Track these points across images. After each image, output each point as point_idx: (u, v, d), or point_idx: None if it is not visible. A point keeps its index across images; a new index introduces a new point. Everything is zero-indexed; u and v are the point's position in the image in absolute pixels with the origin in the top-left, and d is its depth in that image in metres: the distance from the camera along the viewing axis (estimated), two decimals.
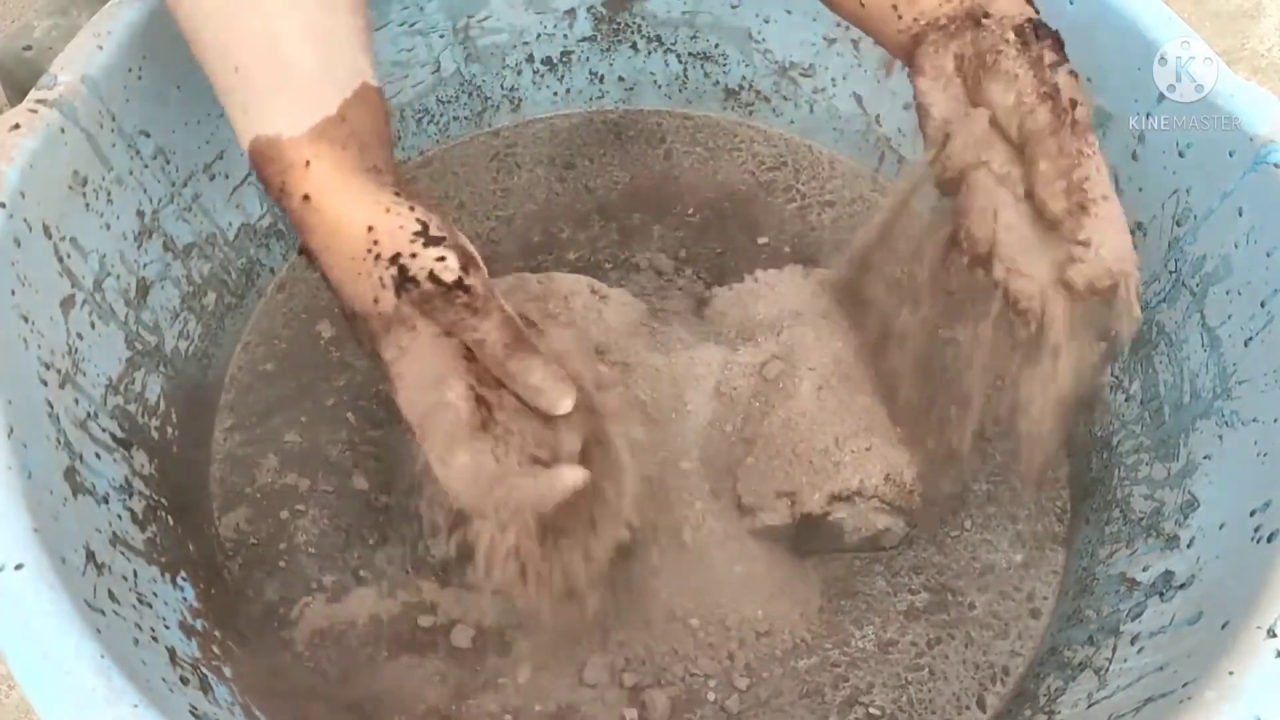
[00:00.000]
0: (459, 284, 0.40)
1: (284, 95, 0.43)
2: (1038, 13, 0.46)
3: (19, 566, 0.37)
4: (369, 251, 0.40)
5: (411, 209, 0.41)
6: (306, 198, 0.42)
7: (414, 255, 0.40)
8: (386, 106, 0.46)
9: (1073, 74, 0.45)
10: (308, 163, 0.42)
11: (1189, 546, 0.50)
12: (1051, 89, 0.44)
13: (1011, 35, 0.45)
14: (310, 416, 0.61)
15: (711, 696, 0.53)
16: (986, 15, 0.46)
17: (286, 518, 0.58)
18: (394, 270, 0.40)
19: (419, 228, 0.41)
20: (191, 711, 0.41)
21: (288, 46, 0.42)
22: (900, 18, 0.47)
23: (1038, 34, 0.45)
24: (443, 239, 0.41)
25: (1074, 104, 0.44)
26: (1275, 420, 0.48)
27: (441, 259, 0.40)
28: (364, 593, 0.55)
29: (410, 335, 0.41)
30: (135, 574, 0.46)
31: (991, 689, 0.54)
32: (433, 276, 0.40)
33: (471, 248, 0.42)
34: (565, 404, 0.42)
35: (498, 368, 0.41)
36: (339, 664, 0.53)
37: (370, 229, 0.41)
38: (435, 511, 0.52)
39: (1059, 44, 0.46)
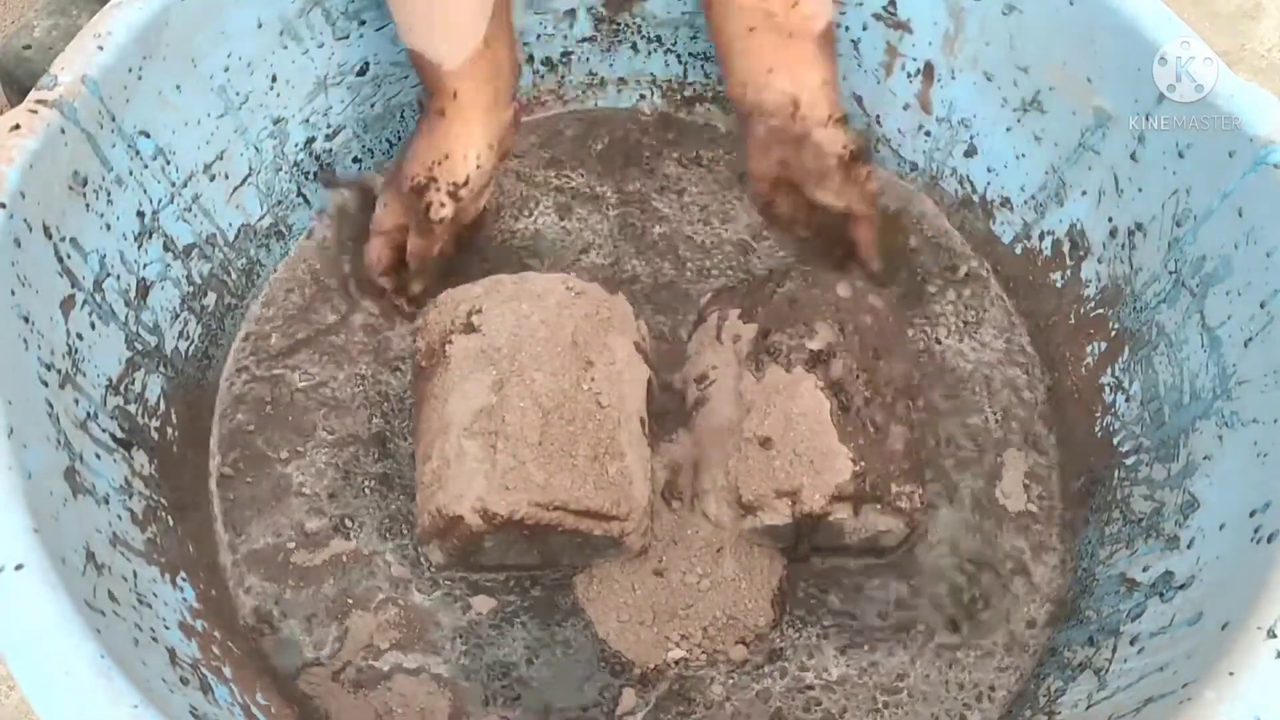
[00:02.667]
0: (434, 220, 0.60)
1: (444, 33, 0.56)
2: (848, 129, 0.61)
3: (19, 566, 0.37)
4: (436, 163, 0.59)
5: (476, 167, 0.59)
6: (441, 113, 0.58)
7: (438, 189, 0.59)
8: (514, 34, 0.60)
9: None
10: (455, 93, 0.57)
11: (1189, 547, 0.50)
12: (871, 197, 0.64)
13: (834, 163, 0.61)
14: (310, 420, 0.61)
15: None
16: (808, 137, 0.61)
17: (284, 521, 0.58)
18: (425, 181, 0.59)
19: (463, 179, 0.59)
20: (191, 712, 0.41)
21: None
22: (744, 88, 0.61)
23: (855, 159, 0.62)
24: (461, 198, 0.59)
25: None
26: (1275, 420, 0.48)
27: (443, 205, 0.59)
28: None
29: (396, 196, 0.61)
30: (135, 574, 0.46)
31: (976, 706, 0.54)
32: (429, 207, 0.59)
33: (459, 209, 0.60)
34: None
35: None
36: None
37: (447, 156, 0.59)
38: (429, 517, 0.53)
39: (869, 156, 0.63)
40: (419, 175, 0.59)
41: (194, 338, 0.60)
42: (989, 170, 0.67)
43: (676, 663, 0.54)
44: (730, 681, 0.54)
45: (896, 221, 0.70)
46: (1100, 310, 0.61)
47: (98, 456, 0.48)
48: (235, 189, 0.62)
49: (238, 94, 0.59)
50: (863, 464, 0.54)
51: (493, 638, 0.55)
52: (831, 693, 0.54)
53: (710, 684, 0.54)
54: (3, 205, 0.44)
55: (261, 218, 0.64)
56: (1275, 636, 0.39)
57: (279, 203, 0.65)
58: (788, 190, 0.66)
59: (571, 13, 0.72)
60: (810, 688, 0.54)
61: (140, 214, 0.54)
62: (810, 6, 0.59)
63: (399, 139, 0.72)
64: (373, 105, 0.69)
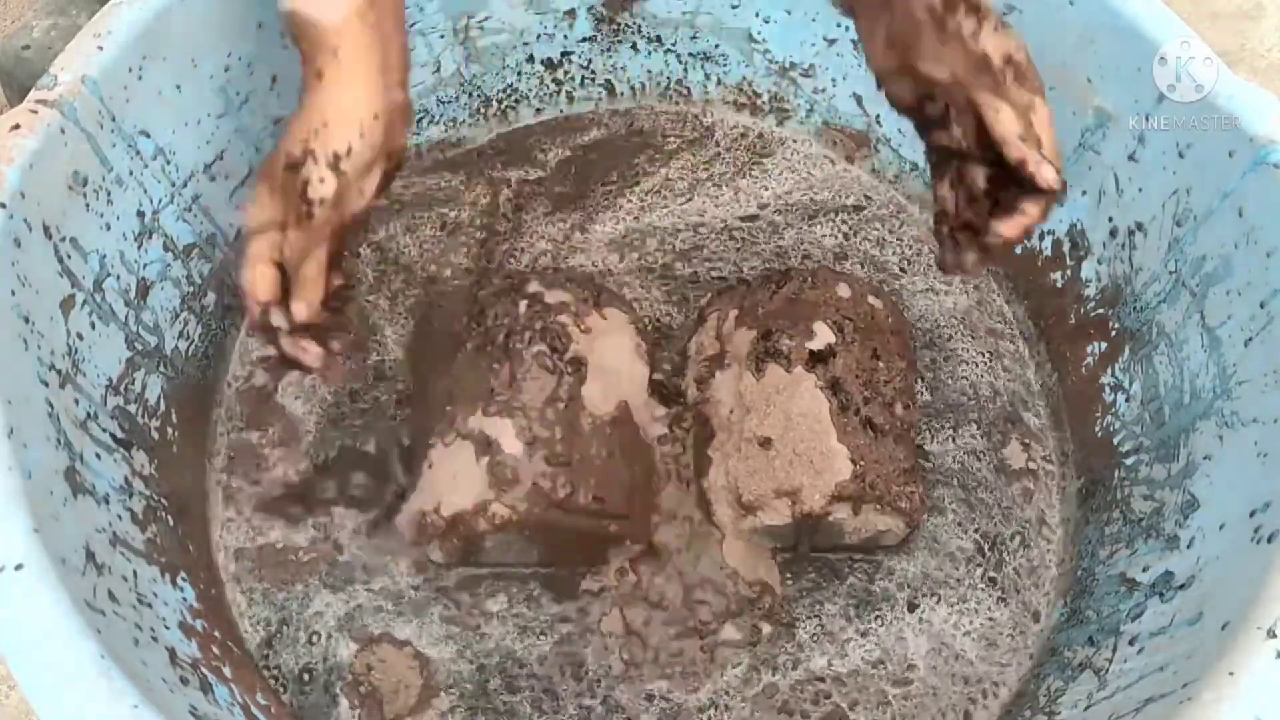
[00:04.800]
0: (313, 200, 0.50)
1: None
2: None
3: (19, 566, 0.37)
4: (313, 133, 0.50)
5: (360, 136, 0.50)
6: (319, 75, 0.50)
7: (315, 161, 0.49)
8: (404, 17, 0.53)
9: (1000, 27, 0.49)
10: (335, 50, 0.49)
11: (1189, 547, 0.50)
12: (980, 60, 0.49)
13: (924, 15, 0.49)
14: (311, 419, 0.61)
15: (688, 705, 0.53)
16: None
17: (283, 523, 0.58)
18: (300, 156, 0.49)
19: (344, 148, 0.50)
20: (191, 711, 0.41)
21: None
22: None
23: (950, 8, 0.49)
24: (343, 171, 0.50)
25: (1008, 59, 0.49)
26: (1275, 420, 0.48)
27: (322, 180, 0.49)
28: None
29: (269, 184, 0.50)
30: (135, 574, 0.46)
31: (981, 702, 0.54)
32: (305, 185, 0.49)
33: (340, 184, 0.50)
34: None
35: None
36: None
37: (325, 123, 0.50)
38: (429, 517, 0.53)
39: (979, 6, 0.49)
40: (294, 149, 0.50)
41: (194, 338, 0.60)
42: None
43: (683, 657, 0.54)
44: (739, 674, 0.54)
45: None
46: (1100, 310, 0.61)
47: (98, 456, 0.48)
48: (235, 189, 0.62)
49: (238, 94, 0.59)
50: (862, 464, 0.54)
51: (493, 633, 0.55)
52: (842, 686, 0.54)
53: (720, 676, 0.54)
54: (3, 205, 0.44)
55: None
56: (1275, 636, 0.39)
57: None
58: (916, 85, 0.52)
59: (571, 13, 0.72)
60: (821, 679, 0.54)
61: (140, 214, 0.54)
62: None
63: None
64: None
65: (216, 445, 0.60)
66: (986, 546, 0.58)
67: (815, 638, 0.55)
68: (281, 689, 0.53)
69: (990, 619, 0.56)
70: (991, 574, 0.58)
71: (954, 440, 0.62)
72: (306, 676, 0.54)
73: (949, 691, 0.54)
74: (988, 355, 0.65)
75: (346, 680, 0.53)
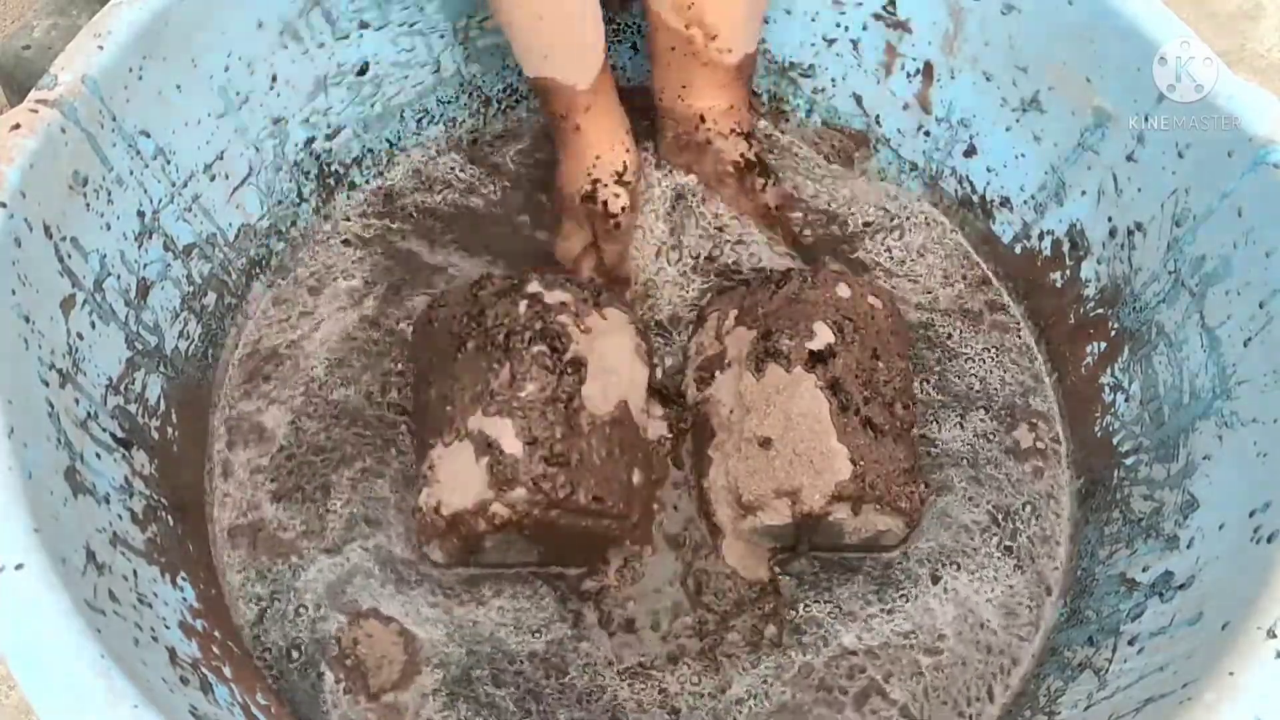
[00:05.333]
0: (616, 213, 0.64)
1: (578, 57, 0.62)
2: (750, 143, 0.67)
3: (19, 566, 0.37)
4: (590, 168, 0.64)
5: (626, 152, 0.65)
6: (578, 128, 0.63)
7: (605, 185, 0.64)
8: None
9: (776, 183, 0.68)
10: (588, 107, 0.63)
11: (1189, 547, 0.50)
12: (763, 207, 0.67)
13: (730, 169, 0.66)
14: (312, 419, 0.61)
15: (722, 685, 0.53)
16: (709, 145, 0.66)
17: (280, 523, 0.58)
18: (590, 187, 0.64)
19: (621, 166, 0.64)
20: (191, 711, 0.41)
21: (583, 24, 0.61)
22: (661, 94, 0.67)
23: (749, 169, 0.66)
24: (628, 183, 0.64)
25: (778, 209, 0.67)
26: (1275, 420, 0.48)
27: (617, 195, 0.64)
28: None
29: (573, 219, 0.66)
30: (135, 574, 0.46)
31: (1000, 678, 0.55)
32: (605, 204, 0.64)
33: (629, 192, 0.65)
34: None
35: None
36: None
37: (599, 155, 0.64)
38: (429, 517, 0.53)
39: (766, 170, 0.67)
40: (581, 185, 0.64)
41: (194, 338, 0.60)
42: (988, 170, 0.67)
43: (683, 657, 0.54)
44: (739, 675, 0.54)
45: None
46: (1100, 310, 0.61)
47: (98, 456, 0.48)
48: (235, 189, 0.62)
49: (238, 94, 0.59)
50: (862, 464, 0.54)
51: (486, 622, 0.55)
52: (875, 658, 0.55)
53: (720, 677, 0.54)
54: (3, 205, 0.44)
55: (261, 218, 0.64)
56: (1275, 636, 0.39)
57: (279, 203, 0.65)
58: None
59: None
60: (854, 653, 0.55)
61: (140, 214, 0.54)
62: (728, 41, 0.63)
63: (399, 139, 0.72)
64: (373, 105, 0.69)
65: (216, 445, 0.60)
66: (1000, 516, 0.59)
67: (831, 624, 0.55)
68: (270, 665, 0.54)
69: (1009, 586, 0.57)
70: (1008, 543, 0.58)
71: (962, 426, 0.62)
72: (295, 653, 0.54)
73: (975, 661, 0.55)
74: (994, 350, 0.65)
75: (333, 654, 0.54)
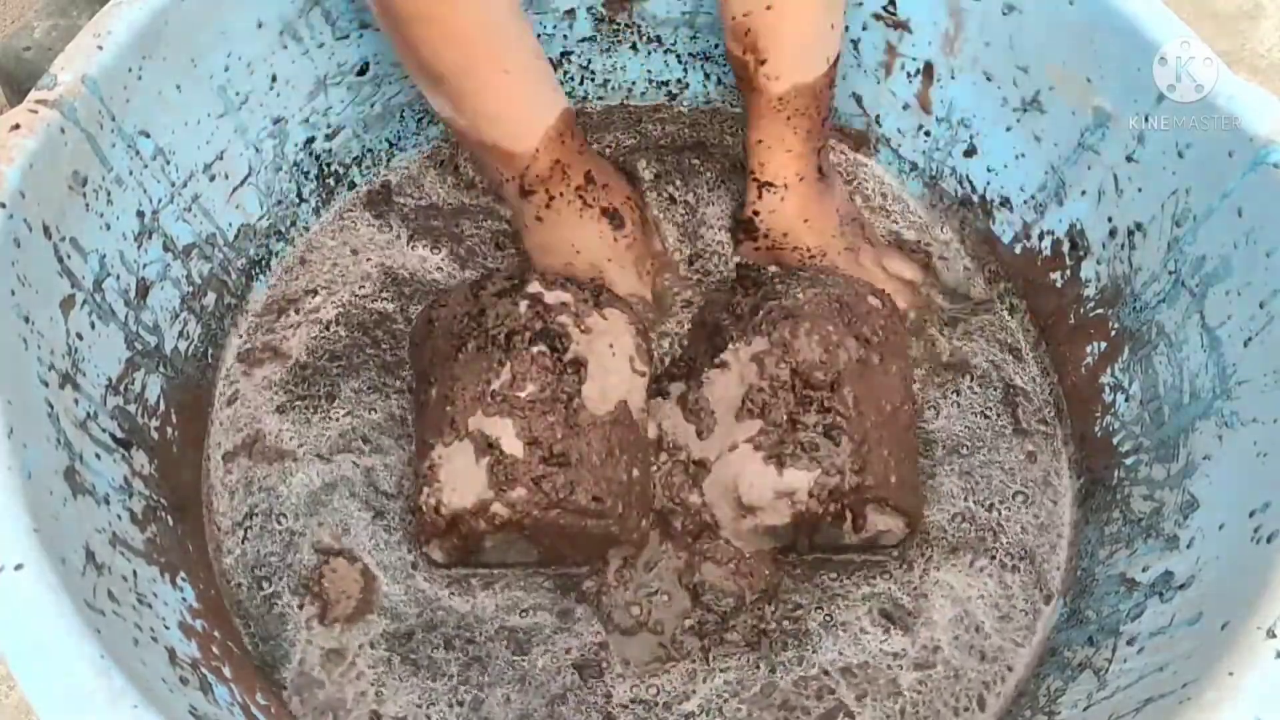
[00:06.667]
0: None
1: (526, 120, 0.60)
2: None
3: (19, 566, 0.37)
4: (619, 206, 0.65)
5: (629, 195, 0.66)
6: (539, 218, 0.63)
7: (634, 210, 0.66)
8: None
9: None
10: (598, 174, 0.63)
11: (1189, 547, 0.50)
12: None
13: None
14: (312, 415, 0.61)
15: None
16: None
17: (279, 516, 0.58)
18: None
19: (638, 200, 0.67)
20: (191, 711, 0.41)
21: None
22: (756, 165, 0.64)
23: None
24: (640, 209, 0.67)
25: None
26: (1275, 420, 0.48)
27: (643, 221, 0.67)
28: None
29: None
30: (135, 574, 0.46)
31: (992, 687, 0.54)
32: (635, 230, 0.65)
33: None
34: None
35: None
36: None
37: (628, 196, 0.66)
38: (429, 517, 0.53)
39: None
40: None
41: (194, 338, 0.60)
42: (988, 170, 0.67)
43: (682, 658, 0.54)
44: (738, 675, 0.54)
45: None
46: (1100, 310, 0.61)
47: (98, 456, 0.48)
48: (235, 189, 0.62)
49: (238, 94, 0.59)
50: (862, 464, 0.54)
51: (494, 630, 0.55)
52: (852, 676, 0.54)
53: (719, 677, 0.54)
54: (3, 205, 0.44)
55: (261, 218, 0.64)
56: (1275, 636, 0.39)
57: (279, 203, 0.65)
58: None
59: (571, 13, 0.72)
60: (827, 672, 0.54)
61: (140, 214, 0.54)
62: (776, 67, 0.60)
63: (398, 139, 0.72)
64: (373, 105, 0.69)
65: (216, 445, 0.60)
66: (1000, 516, 0.59)
67: (820, 634, 0.55)
68: (239, 585, 0.56)
69: (1007, 587, 0.57)
70: (1007, 543, 0.59)
71: (962, 426, 0.62)
72: (263, 576, 0.56)
73: (969, 670, 0.55)
74: (993, 350, 0.65)
75: (299, 580, 0.56)
